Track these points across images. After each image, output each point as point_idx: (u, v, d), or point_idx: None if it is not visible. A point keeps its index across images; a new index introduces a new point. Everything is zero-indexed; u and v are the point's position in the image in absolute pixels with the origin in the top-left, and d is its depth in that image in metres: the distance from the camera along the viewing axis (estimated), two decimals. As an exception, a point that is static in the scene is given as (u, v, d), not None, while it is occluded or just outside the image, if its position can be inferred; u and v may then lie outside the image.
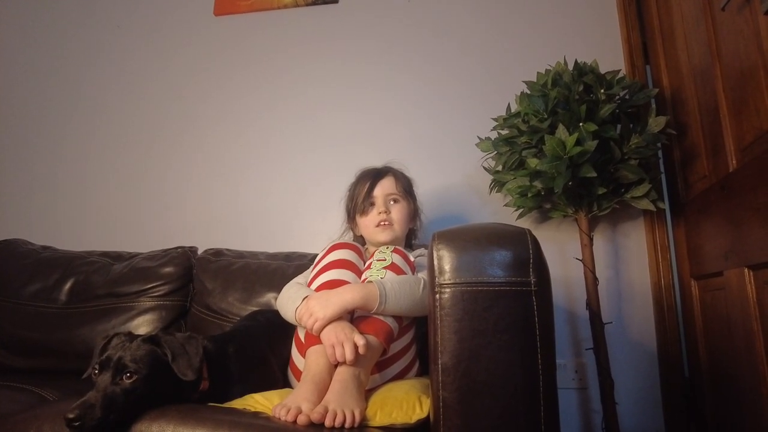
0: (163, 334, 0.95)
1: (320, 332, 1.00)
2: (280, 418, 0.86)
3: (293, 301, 1.10)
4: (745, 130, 1.12)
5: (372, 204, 1.36)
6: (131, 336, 0.92)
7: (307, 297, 1.07)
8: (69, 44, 2.24)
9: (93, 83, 2.18)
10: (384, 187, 1.37)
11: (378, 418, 0.90)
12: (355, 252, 1.19)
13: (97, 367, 0.87)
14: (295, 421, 0.85)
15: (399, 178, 1.41)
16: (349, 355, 0.94)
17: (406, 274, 1.14)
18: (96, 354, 0.93)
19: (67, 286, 1.61)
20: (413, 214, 1.43)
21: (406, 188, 1.41)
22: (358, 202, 1.38)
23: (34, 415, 0.89)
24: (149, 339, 0.93)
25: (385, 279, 1.07)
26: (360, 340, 0.95)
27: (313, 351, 1.02)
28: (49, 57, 2.25)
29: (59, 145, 2.14)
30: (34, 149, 2.16)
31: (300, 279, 1.25)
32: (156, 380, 0.89)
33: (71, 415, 0.78)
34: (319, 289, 1.10)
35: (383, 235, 1.33)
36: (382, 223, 1.33)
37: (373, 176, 1.39)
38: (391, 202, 1.37)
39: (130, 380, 0.86)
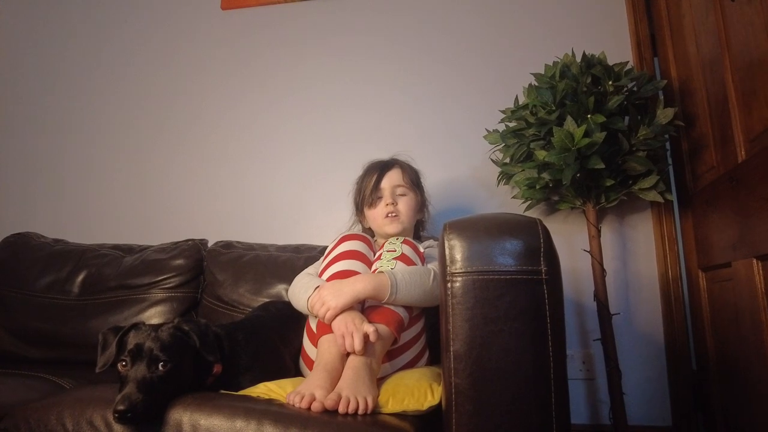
0: (185, 321, 0.97)
1: (332, 321, 1.02)
2: (294, 405, 0.88)
3: (305, 291, 1.12)
4: (754, 121, 1.12)
5: (380, 197, 1.38)
6: (154, 326, 0.94)
7: (319, 286, 1.08)
8: (75, 39, 2.26)
9: (100, 78, 2.20)
10: (391, 179, 1.38)
11: (390, 406, 0.92)
12: (365, 243, 1.20)
13: (127, 358, 0.89)
14: (309, 408, 0.86)
15: (406, 169, 1.42)
16: (357, 345, 0.96)
17: (416, 265, 1.15)
18: (111, 346, 0.94)
19: (80, 278, 1.63)
20: (420, 205, 1.44)
21: (413, 180, 1.42)
22: (365, 195, 1.39)
23: (54, 402, 0.91)
24: (174, 327, 0.95)
25: (395, 269, 1.09)
26: (370, 330, 0.97)
27: (325, 340, 1.04)
28: (55, 52, 2.26)
29: (66, 140, 2.16)
30: (41, 144, 2.18)
31: (311, 270, 1.27)
32: (185, 366, 0.93)
33: (122, 407, 0.80)
34: (330, 279, 1.11)
35: (391, 227, 1.35)
36: (390, 215, 1.35)
37: (380, 168, 1.40)
38: (399, 194, 1.38)
39: (165, 368, 0.88)
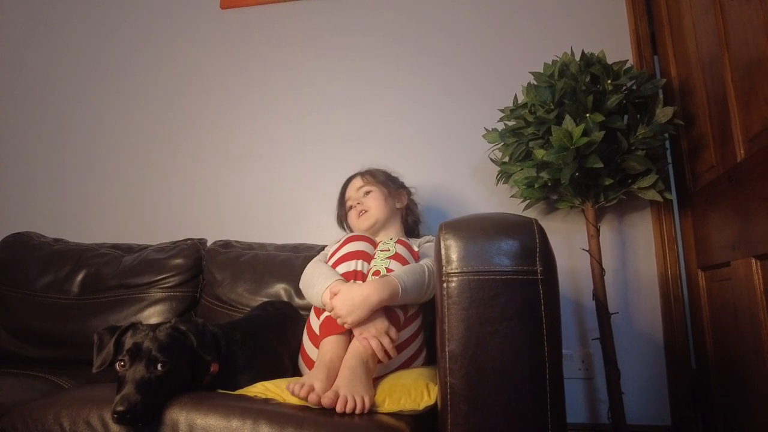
0: (182, 321, 0.97)
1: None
2: (293, 391, 0.88)
3: (320, 282, 1.12)
4: (753, 120, 1.12)
5: (350, 206, 1.46)
6: (151, 326, 0.94)
7: (329, 289, 1.07)
8: (75, 38, 2.26)
9: (99, 77, 2.20)
10: (354, 186, 1.48)
11: (387, 405, 0.92)
12: (370, 243, 1.20)
13: (125, 358, 0.89)
14: (307, 397, 0.88)
15: (367, 173, 1.49)
16: (388, 345, 1.01)
17: (409, 263, 1.16)
18: (108, 346, 0.94)
19: (79, 277, 1.63)
20: (391, 194, 1.46)
21: (378, 178, 1.47)
22: (339, 209, 1.52)
23: (51, 402, 0.92)
24: (172, 327, 0.95)
25: (399, 272, 1.09)
26: (393, 333, 1.02)
27: (329, 341, 1.04)
28: (54, 51, 2.26)
29: (66, 140, 2.16)
30: (40, 143, 2.18)
31: (321, 257, 1.28)
32: (182, 366, 0.93)
33: (121, 408, 0.80)
34: None
35: (365, 222, 1.42)
36: (361, 213, 1.42)
37: (344, 184, 1.53)
38: (363, 195, 1.45)
39: (164, 369, 0.88)
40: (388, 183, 1.48)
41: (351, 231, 1.49)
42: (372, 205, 1.42)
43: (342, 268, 1.14)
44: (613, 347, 1.44)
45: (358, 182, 1.48)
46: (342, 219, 1.53)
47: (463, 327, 0.80)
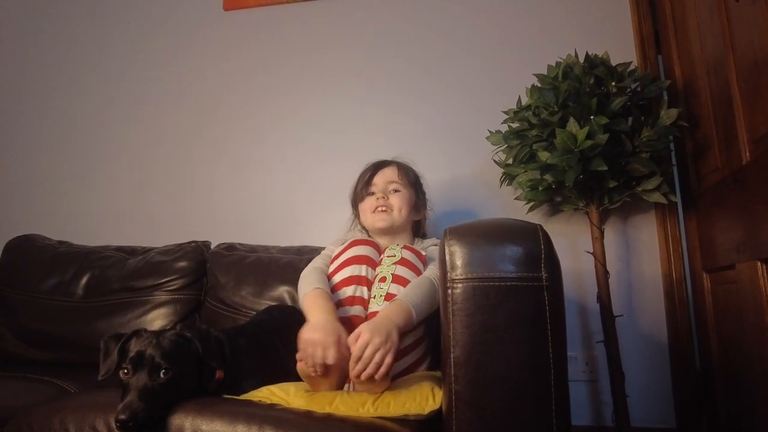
0: (186, 327, 0.97)
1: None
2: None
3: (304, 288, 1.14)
4: (758, 122, 1.11)
5: (372, 192, 1.37)
6: (155, 332, 0.94)
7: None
8: (78, 40, 2.26)
9: (101, 79, 2.20)
10: (385, 175, 1.38)
11: (392, 409, 0.92)
12: (373, 247, 1.20)
13: (128, 366, 0.89)
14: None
15: (402, 168, 1.41)
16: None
17: (417, 267, 1.16)
18: (112, 353, 0.94)
19: (84, 280, 1.64)
20: (416, 204, 1.40)
21: (410, 179, 1.40)
22: (358, 190, 1.40)
23: (57, 407, 0.92)
24: (177, 334, 0.95)
25: (410, 295, 1.06)
26: None
27: None
28: (57, 53, 2.27)
29: (70, 142, 2.17)
30: (44, 146, 2.19)
31: (319, 263, 1.24)
32: (186, 373, 0.93)
33: (123, 417, 0.80)
34: (339, 284, 1.12)
35: (381, 222, 1.33)
36: (380, 209, 1.33)
37: (375, 166, 1.41)
38: (392, 191, 1.36)
39: (167, 376, 0.88)
40: (418, 192, 1.41)
41: (359, 219, 1.43)
42: (396, 206, 1.33)
43: (347, 272, 1.14)
44: (617, 349, 1.43)
45: (392, 173, 1.37)
46: (356, 201, 1.42)
47: (468, 334, 0.80)
